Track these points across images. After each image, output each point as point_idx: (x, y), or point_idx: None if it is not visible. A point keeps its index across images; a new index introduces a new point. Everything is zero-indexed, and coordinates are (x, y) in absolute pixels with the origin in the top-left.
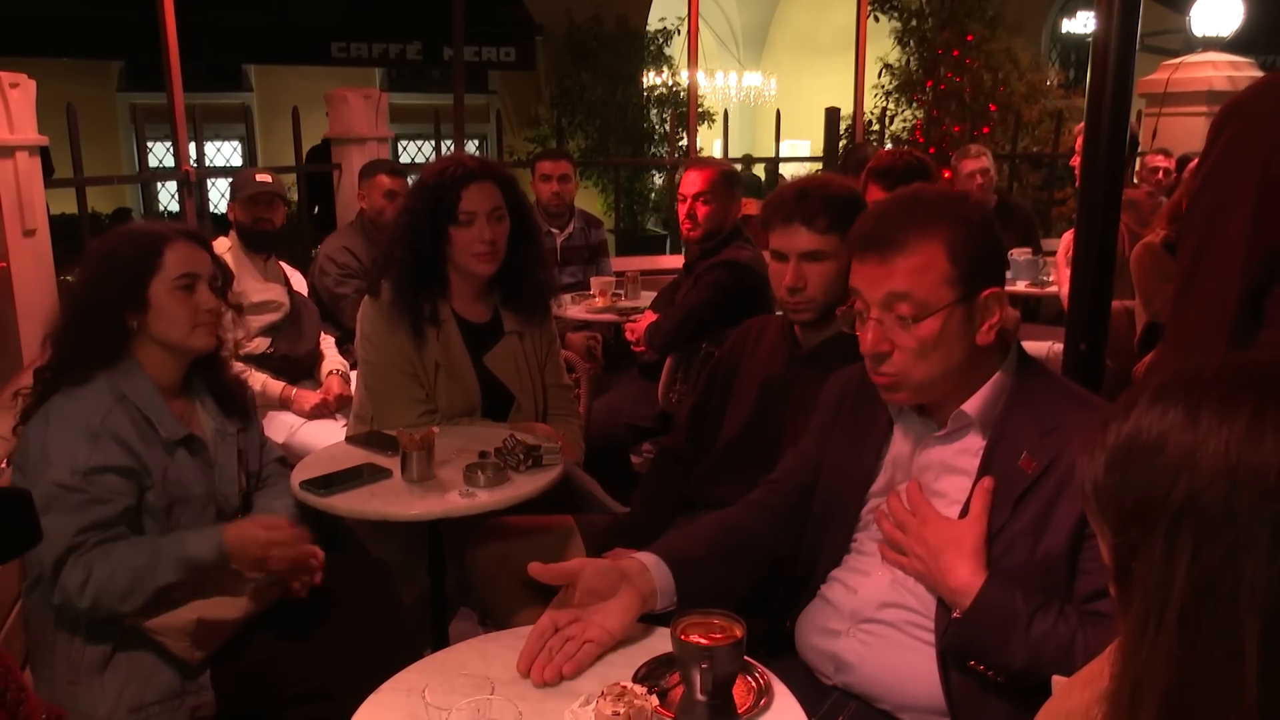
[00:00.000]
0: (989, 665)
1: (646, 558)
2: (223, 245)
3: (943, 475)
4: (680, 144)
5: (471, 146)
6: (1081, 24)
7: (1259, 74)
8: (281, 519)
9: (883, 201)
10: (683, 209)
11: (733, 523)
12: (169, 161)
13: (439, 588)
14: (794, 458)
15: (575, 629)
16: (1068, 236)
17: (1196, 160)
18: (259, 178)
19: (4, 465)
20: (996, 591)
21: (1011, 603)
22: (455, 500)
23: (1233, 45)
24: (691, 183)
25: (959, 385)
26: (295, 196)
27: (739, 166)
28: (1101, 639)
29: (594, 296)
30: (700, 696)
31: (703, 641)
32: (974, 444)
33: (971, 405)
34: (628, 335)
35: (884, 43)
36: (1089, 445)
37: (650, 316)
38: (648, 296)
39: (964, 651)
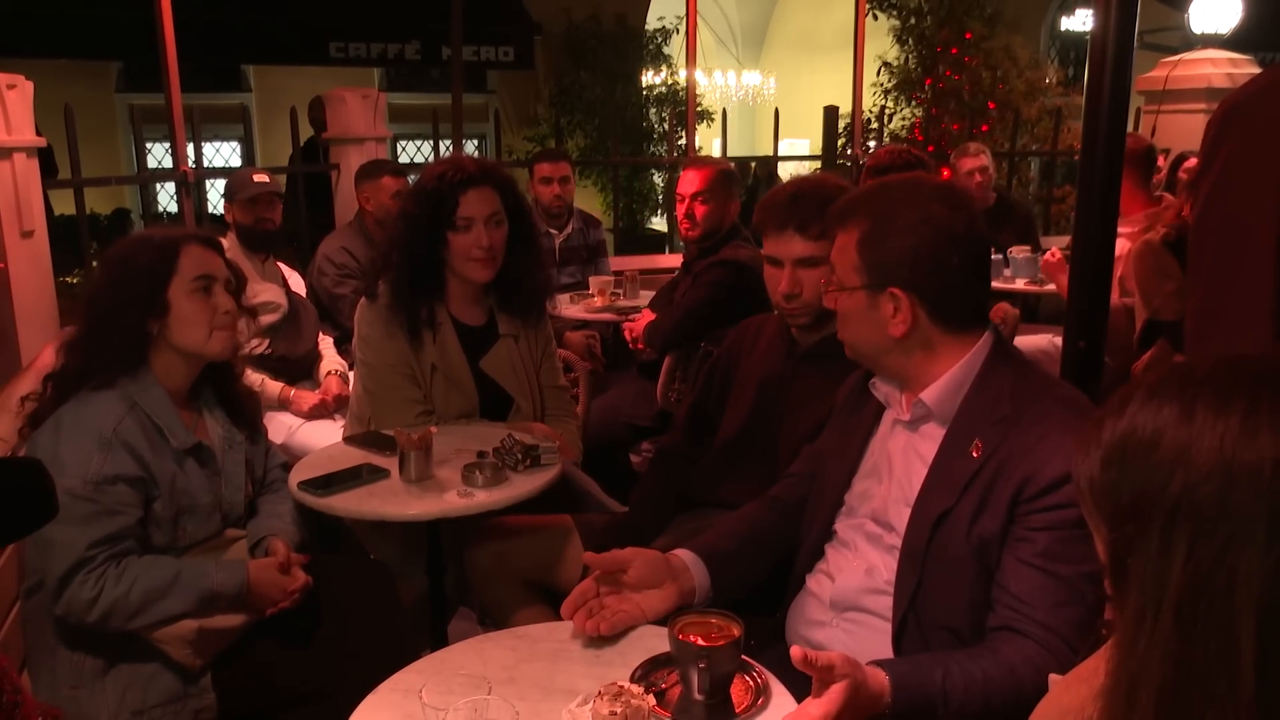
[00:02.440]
0: None
1: (687, 556)
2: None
3: (906, 460)
4: (679, 143)
5: (470, 146)
6: (1080, 21)
7: (1257, 70)
8: (299, 565)
9: (864, 187)
10: (681, 209)
11: (756, 518)
12: (168, 162)
13: (438, 587)
14: (809, 453)
15: (611, 600)
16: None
17: (1194, 160)
18: (257, 178)
19: None
20: (903, 681)
21: (921, 686)
22: (453, 500)
23: (1231, 42)
24: (689, 182)
25: (915, 369)
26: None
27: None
28: (1013, 652)
29: (593, 296)
30: (698, 696)
31: (701, 641)
32: (935, 432)
33: (929, 394)
34: (626, 334)
35: (883, 41)
36: (1084, 443)
37: (649, 315)
38: (646, 296)
39: None
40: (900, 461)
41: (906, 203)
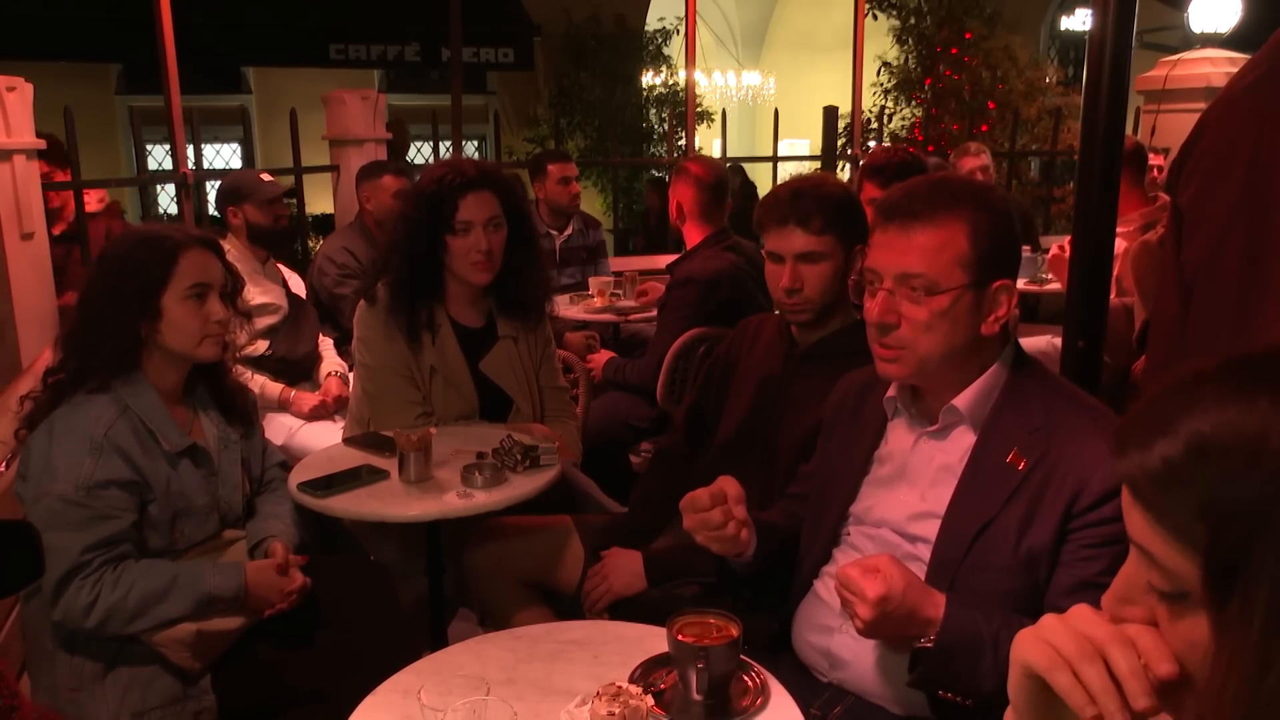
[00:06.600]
0: (960, 692)
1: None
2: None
3: (931, 471)
4: (679, 144)
5: (470, 147)
6: (1080, 21)
7: None
8: (297, 566)
9: (913, 179)
10: None
11: (781, 524)
12: (168, 164)
13: (437, 588)
14: (806, 475)
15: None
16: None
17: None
18: (266, 178)
19: (2, 468)
20: (959, 613)
21: (974, 625)
22: (453, 501)
23: (1231, 42)
24: None
25: (954, 375)
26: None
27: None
28: None
29: (592, 297)
30: (696, 696)
31: (700, 641)
32: (964, 441)
33: (962, 400)
34: (595, 374)
35: (882, 41)
36: (1142, 444)
37: (605, 355)
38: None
39: (936, 680)
40: (924, 472)
41: (986, 191)
